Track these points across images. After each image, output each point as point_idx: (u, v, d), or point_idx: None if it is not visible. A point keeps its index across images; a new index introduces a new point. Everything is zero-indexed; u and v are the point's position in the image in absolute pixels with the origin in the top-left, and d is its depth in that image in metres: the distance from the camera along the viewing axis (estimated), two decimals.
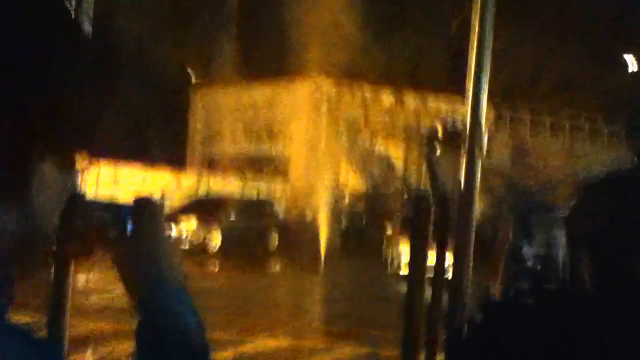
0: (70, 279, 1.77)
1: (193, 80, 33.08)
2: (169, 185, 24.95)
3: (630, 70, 34.36)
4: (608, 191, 1.19)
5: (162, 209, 0.98)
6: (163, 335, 0.90)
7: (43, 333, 1.80)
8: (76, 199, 0.88)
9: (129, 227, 0.94)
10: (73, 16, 0.80)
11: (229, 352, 7.95)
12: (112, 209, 0.96)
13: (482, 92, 1.85)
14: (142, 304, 0.92)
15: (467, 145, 1.89)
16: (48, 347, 0.81)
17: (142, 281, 0.93)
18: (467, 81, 1.86)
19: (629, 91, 32.88)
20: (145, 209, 0.94)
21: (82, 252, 0.99)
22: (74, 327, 8.44)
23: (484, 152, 1.89)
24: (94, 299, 10.53)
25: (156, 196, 23.49)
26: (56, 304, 1.75)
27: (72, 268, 1.79)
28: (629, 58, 34.93)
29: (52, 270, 1.77)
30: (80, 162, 0.81)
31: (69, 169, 0.79)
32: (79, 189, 0.90)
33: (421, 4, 31.76)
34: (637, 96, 32.62)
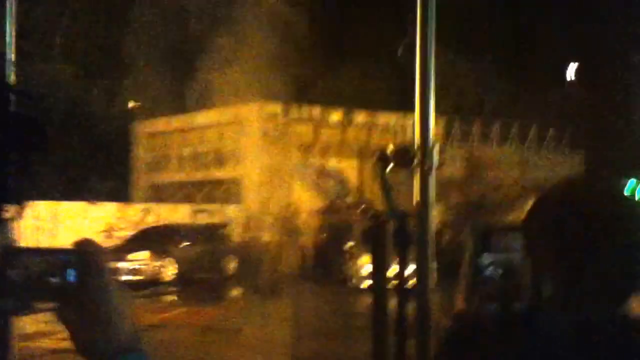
0: (12, 336, 1.75)
1: (135, 111, 32.73)
2: (114, 218, 24.59)
3: (569, 81, 35.41)
4: (561, 197, 1.23)
5: (105, 252, 0.91)
6: None
7: None
8: (6, 247, 0.85)
9: (71, 273, 0.87)
10: None
11: None
12: (49, 254, 0.88)
13: (429, 108, 1.95)
14: None
15: (418, 159, 1.98)
16: None
17: (98, 342, 0.88)
18: (415, 99, 1.96)
19: (572, 104, 33.89)
20: (87, 253, 0.88)
21: (21, 307, 0.92)
22: None
23: (436, 165, 1.99)
24: (43, 342, 10.27)
25: (101, 230, 23.12)
26: None
27: (13, 324, 1.75)
28: (571, 70, 35.98)
29: None
30: (8, 213, 0.82)
31: None
32: (10, 240, 0.89)
33: (367, 29, 32.26)
34: (579, 108, 33.62)
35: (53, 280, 0.86)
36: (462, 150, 30.97)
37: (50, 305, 0.88)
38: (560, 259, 1.20)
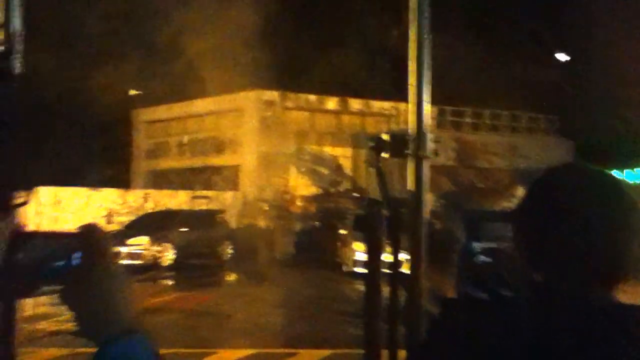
0: (16, 318, 1.73)
1: (135, 99, 32.67)
2: (114, 203, 24.58)
3: (560, 67, 35.44)
4: (552, 184, 1.22)
5: (108, 236, 0.92)
6: None
7: None
8: (14, 232, 0.87)
9: (75, 257, 0.88)
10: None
11: None
12: (55, 238, 0.89)
13: (424, 96, 1.93)
14: (102, 349, 0.88)
15: (412, 147, 1.96)
16: None
17: (99, 323, 0.89)
18: (408, 87, 1.94)
19: (562, 90, 33.92)
20: (91, 237, 0.89)
21: (25, 289, 0.93)
22: (25, 355, 8.19)
23: (430, 153, 1.97)
24: (43, 324, 10.27)
25: (102, 215, 23.13)
26: (2, 345, 1.72)
27: (17, 304, 1.74)
28: (561, 56, 35.99)
29: None
30: (17, 199, 0.81)
31: (4, 209, 0.80)
32: (17, 224, 0.90)
33: (362, 17, 32.18)
34: (569, 94, 33.67)
35: (58, 263, 0.87)
36: (453, 139, 30.97)
37: (54, 287, 0.90)
38: (551, 245, 1.18)
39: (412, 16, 1.92)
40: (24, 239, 0.88)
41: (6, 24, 1.72)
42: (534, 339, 1.12)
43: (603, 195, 1.19)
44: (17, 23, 1.77)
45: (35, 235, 0.90)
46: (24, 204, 0.86)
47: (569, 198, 1.19)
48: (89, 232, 0.90)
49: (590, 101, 32.40)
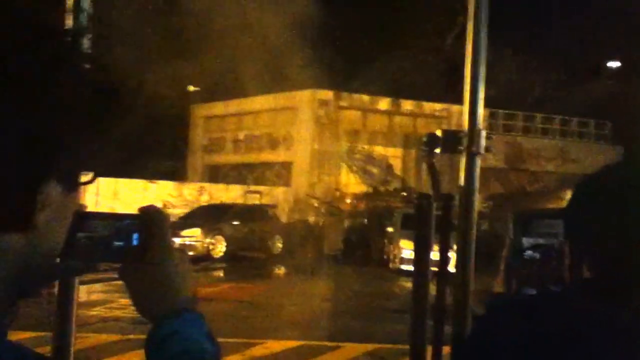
0: (75, 294, 1.76)
1: (194, 95, 33.17)
2: (171, 196, 25.00)
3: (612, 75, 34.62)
4: (607, 181, 1.18)
5: (168, 218, 0.93)
6: (174, 359, 0.85)
7: (49, 348, 1.82)
8: (78, 212, 0.86)
9: (135, 237, 0.89)
10: (71, 47, 0.83)
11: (239, 355, 7.98)
12: (116, 220, 0.90)
13: (479, 97, 1.89)
14: (157, 326, 0.88)
15: (465, 143, 1.92)
16: None
17: (155, 300, 0.89)
18: (464, 87, 1.90)
19: (613, 96, 33.03)
20: (151, 218, 0.90)
21: (86, 268, 0.95)
22: (78, 339, 8.42)
23: (482, 153, 1.93)
24: (96, 310, 10.50)
25: (159, 206, 23.63)
26: (61, 320, 1.74)
27: (77, 283, 1.77)
28: (613, 64, 35.15)
29: (57, 286, 1.76)
30: (83, 179, 0.82)
31: (71, 188, 0.80)
32: (81, 204, 0.91)
33: (419, 19, 31.98)
34: (620, 101, 32.76)
35: (117, 243, 0.89)
36: (504, 142, 30.48)
37: (114, 266, 0.91)
38: (602, 246, 1.15)
39: (470, 14, 1.87)
40: (86, 218, 0.89)
41: (76, 4, 1.74)
42: (583, 338, 1.08)
43: None
44: (86, 3, 1.79)
45: (96, 215, 0.91)
46: (89, 182, 0.86)
47: (623, 195, 1.14)
48: (148, 213, 0.90)
49: None
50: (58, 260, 0.84)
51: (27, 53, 0.75)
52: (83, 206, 0.94)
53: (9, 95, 0.73)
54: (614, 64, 35.70)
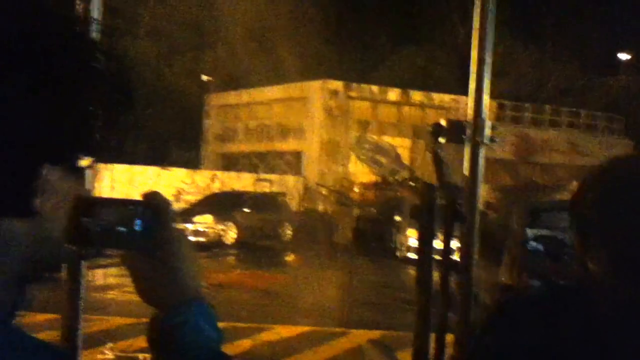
0: (83, 277, 1.76)
1: (207, 85, 33.20)
2: (184, 183, 25.08)
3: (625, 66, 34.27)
4: (614, 173, 1.16)
5: (171, 204, 0.91)
6: (181, 348, 0.84)
7: (58, 332, 1.82)
8: (81, 198, 0.85)
9: (138, 223, 0.87)
10: (80, 33, 0.82)
11: (249, 340, 8.01)
12: (120, 205, 0.88)
13: (484, 86, 1.86)
14: (166, 315, 0.87)
15: (470, 135, 1.90)
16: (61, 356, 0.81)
17: (161, 288, 0.88)
18: (469, 76, 1.87)
19: (626, 91, 32.64)
20: (155, 205, 0.88)
21: (91, 251, 0.94)
22: (92, 322, 8.48)
23: (487, 143, 1.90)
24: (111, 294, 10.59)
25: (171, 193, 23.70)
26: (70, 303, 1.75)
27: (84, 266, 1.77)
28: (625, 58, 34.78)
29: (65, 269, 1.76)
30: (84, 162, 0.81)
31: (71, 173, 0.79)
32: (83, 188, 0.88)
33: (433, 15, 31.78)
34: (633, 94, 32.38)
35: (121, 229, 0.87)
36: (513, 133, 30.28)
37: (118, 252, 0.90)
38: (610, 236, 1.11)
39: (477, 4, 1.84)
40: (89, 204, 0.87)
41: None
42: (590, 329, 1.06)
43: None
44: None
45: (100, 201, 0.89)
46: (89, 167, 0.85)
47: (632, 188, 1.11)
48: (151, 200, 0.89)
49: None
50: (63, 245, 0.83)
51: (30, 37, 0.74)
52: (87, 191, 0.93)
53: (8, 79, 0.72)
54: (626, 57, 35.33)
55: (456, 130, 1.85)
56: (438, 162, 1.98)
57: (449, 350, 1.86)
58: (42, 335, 0.79)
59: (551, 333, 1.08)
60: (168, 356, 0.86)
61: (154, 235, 0.87)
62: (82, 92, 0.76)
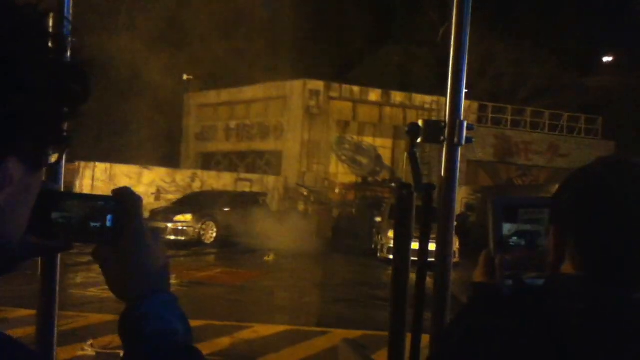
0: (57, 272, 1.74)
1: (188, 84, 33.08)
2: (164, 182, 24.94)
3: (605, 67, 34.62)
4: (594, 176, 1.15)
5: (142, 200, 0.92)
6: (145, 338, 0.86)
7: (34, 327, 1.79)
8: (50, 192, 0.85)
9: (109, 218, 0.89)
10: (45, 30, 0.81)
11: (228, 338, 7.97)
12: (90, 200, 0.90)
13: (461, 87, 1.86)
14: (129, 307, 0.88)
15: (447, 135, 1.89)
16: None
17: (128, 282, 0.89)
18: (448, 76, 1.87)
19: (606, 92, 32.97)
20: (125, 200, 0.89)
21: (61, 245, 0.94)
22: (72, 319, 8.39)
23: (463, 143, 1.90)
24: (92, 291, 10.52)
25: (151, 192, 23.54)
26: (45, 300, 1.72)
27: (58, 261, 1.74)
28: (606, 59, 35.15)
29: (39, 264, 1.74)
30: (51, 158, 0.80)
31: (35, 168, 0.78)
32: (50, 184, 0.89)
33: (411, 14, 31.89)
34: (613, 97, 32.73)
35: (93, 224, 0.88)
36: (493, 135, 30.49)
37: (89, 245, 0.90)
38: (585, 236, 1.12)
39: (454, 4, 1.84)
40: (60, 198, 0.88)
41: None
42: (563, 326, 1.06)
43: None
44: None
45: (71, 196, 0.90)
46: (56, 163, 0.84)
47: (609, 190, 1.11)
48: (122, 195, 0.90)
49: (635, 102, 31.49)
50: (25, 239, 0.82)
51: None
52: (57, 186, 0.92)
53: None
54: (607, 59, 35.72)
55: (433, 131, 1.84)
56: (414, 161, 1.97)
57: (424, 351, 1.85)
58: (19, 332, 0.77)
59: (514, 332, 1.08)
60: (133, 347, 0.87)
61: (124, 231, 0.88)
62: (35, 82, 0.75)
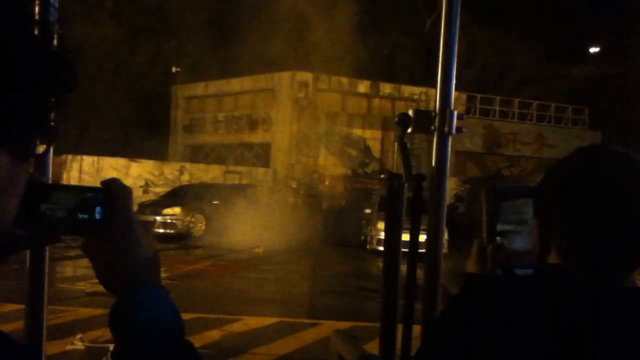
0: (46, 265, 1.73)
1: (176, 76, 32.92)
2: (152, 175, 24.84)
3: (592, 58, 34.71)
4: (573, 164, 1.16)
5: (131, 191, 0.91)
6: (136, 329, 0.85)
7: (22, 322, 1.78)
8: (38, 183, 0.84)
9: (98, 210, 0.88)
10: (31, 20, 0.79)
11: (218, 331, 7.97)
12: (78, 192, 0.88)
13: (451, 77, 1.85)
14: (120, 298, 0.87)
15: (437, 125, 1.89)
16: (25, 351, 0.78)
17: (117, 274, 0.88)
18: (437, 66, 1.86)
19: (592, 82, 33.08)
20: (114, 191, 0.88)
21: (49, 238, 0.93)
22: (62, 313, 8.36)
23: (454, 131, 1.90)
24: (81, 285, 10.49)
25: (139, 185, 23.44)
26: (34, 291, 1.71)
27: (46, 254, 1.73)
28: (592, 51, 35.24)
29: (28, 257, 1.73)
30: (38, 149, 0.79)
31: (22, 158, 0.77)
32: (38, 175, 0.87)
33: (398, 3, 31.81)
34: (599, 87, 32.86)
35: (82, 216, 0.87)
36: (481, 126, 30.60)
37: (77, 237, 0.89)
38: (569, 224, 1.12)
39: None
40: (48, 190, 0.87)
41: None
42: (543, 319, 1.06)
43: (630, 176, 1.11)
44: None
45: (59, 187, 0.89)
46: (44, 154, 0.82)
47: (592, 177, 1.11)
48: (111, 187, 0.89)
49: (621, 91, 31.65)
50: (22, 231, 0.82)
51: None
52: (45, 178, 0.91)
53: None
54: (593, 50, 35.84)
55: (423, 121, 1.84)
56: (404, 151, 1.97)
57: (415, 342, 1.86)
58: (8, 327, 0.76)
59: (508, 318, 1.08)
60: (125, 338, 0.86)
61: (113, 223, 0.87)
62: (22, 70, 0.73)
